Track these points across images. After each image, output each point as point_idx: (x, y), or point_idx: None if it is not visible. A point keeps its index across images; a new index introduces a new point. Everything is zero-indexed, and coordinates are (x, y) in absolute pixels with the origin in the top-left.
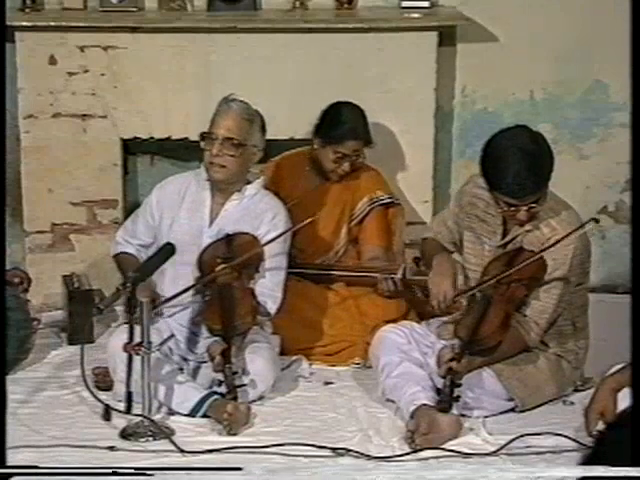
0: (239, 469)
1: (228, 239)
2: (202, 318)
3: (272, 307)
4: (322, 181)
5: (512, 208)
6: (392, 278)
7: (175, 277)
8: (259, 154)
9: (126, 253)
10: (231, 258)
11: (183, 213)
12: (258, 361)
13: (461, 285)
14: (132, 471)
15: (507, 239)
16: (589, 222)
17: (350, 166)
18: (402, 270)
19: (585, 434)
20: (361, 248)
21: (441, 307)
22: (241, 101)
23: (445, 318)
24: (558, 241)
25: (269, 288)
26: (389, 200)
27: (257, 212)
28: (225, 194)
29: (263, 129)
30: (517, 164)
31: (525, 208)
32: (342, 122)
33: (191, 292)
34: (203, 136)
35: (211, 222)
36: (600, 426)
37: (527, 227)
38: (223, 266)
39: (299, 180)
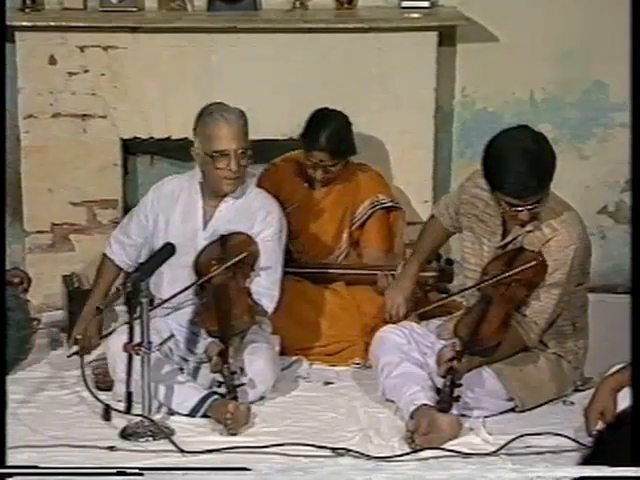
0: (247, 469)
1: (222, 240)
2: (199, 320)
3: (269, 305)
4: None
5: (514, 208)
6: (392, 275)
7: (173, 279)
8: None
9: (111, 260)
10: (225, 259)
11: (177, 216)
12: (258, 362)
13: (460, 285)
14: (135, 471)
15: (507, 240)
16: (531, 263)
17: (323, 173)
18: (402, 267)
19: (585, 434)
20: (362, 252)
21: (393, 320)
22: (230, 107)
23: (445, 318)
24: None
25: (265, 287)
26: (391, 203)
27: (251, 211)
28: (218, 196)
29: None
30: (519, 164)
31: (527, 208)
32: (311, 131)
33: (190, 293)
34: (212, 155)
35: (205, 224)
36: (600, 426)
37: (528, 227)
38: (216, 269)
39: (300, 183)
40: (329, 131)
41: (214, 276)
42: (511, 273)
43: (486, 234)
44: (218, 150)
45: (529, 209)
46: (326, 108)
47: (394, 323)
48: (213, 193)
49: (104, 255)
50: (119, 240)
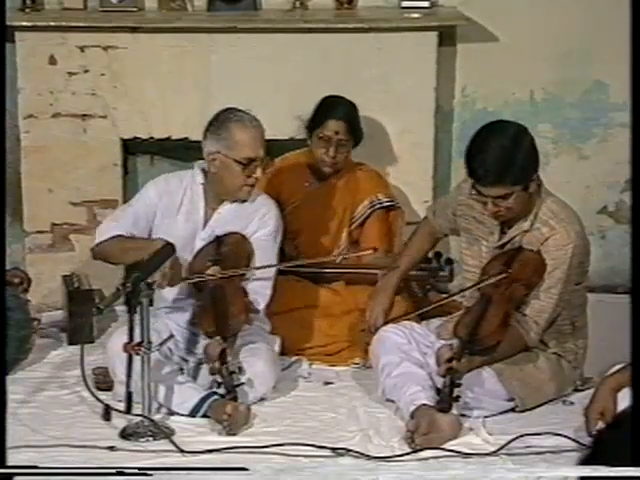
0: (245, 469)
1: (217, 241)
2: (197, 322)
3: (261, 304)
4: (322, 182)
5: (479, 196)
6: None
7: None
8: None
9: (119, 236)
10: (220, 259)
11: (180, 217)
12: (258, 363)
13: (460, 285)
14: (135, 471)
15: (504, 240)
16: (488, 280)
17: (335, 152)
18: (382, 277)
19: (585, 434)
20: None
21: (371, 330)
22: (249, 114)
23: (445, 318)
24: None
25: (258, 285)
26: (390, 203)
27: (249, 212)
28: (221, 199)
29: None
30: (484, 151)
31: (490, 198)
32: (322, 107)
33: (188, 294)
34: (242, 162)
35: (205, 225)
36: (600, 426)
37: (525, 227)
38: (213, 269)
39: (300, 182)
40: (344, 105)
41: (214, 279)
42: (496, 279)
43: (484, 235)
44: (249, 157)
45: (492, 200)
46: (330, 95)
47: (372, 333)
48: (218, 196)
49: (103, 242)
50: (116, 228)
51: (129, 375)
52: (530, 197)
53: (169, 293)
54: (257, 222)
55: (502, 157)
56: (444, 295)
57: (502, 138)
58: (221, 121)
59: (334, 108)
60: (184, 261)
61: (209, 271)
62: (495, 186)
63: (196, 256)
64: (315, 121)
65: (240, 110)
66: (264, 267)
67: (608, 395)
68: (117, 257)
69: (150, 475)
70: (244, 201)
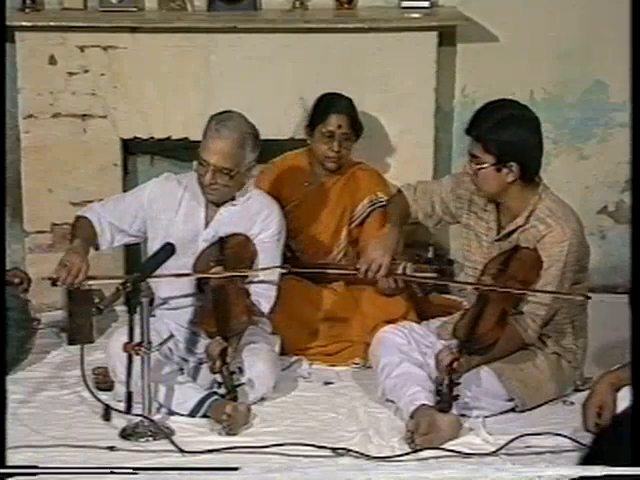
0: (236, 469)
1: (221, 242)
2: (198, 321)
3: (266, 306)
4: (321, 181)
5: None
6: (392, 274)
7: (171, 280)
8: (253, 167)
9: (90, 222)
10: (223, 260)
11: (180, 217)
12: (258, 364)
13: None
14: (132, 471)
15: (502, 234)
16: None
17: (339, 146)
18: (402, 267)
19: (585, 434)
20: (361, 250)
21: (368, 275)
22: (234, 119)
23: (445, 318)
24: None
25: (263, 287)
26: None
27: (251, 213)
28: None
29: (256, 145)
30: (487, 110)
31: (470, 156)
32: (323, 102)
33: (189, 294)
34: (200, 161)
35: (206, 225)
36: (597, 420)
37: (519, 222)
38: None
39: (299, 181)
40: (343, 99)
41: (214, 278)
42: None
43: (484, 230)
44: (201, 158)
45: (470, 159)
46: (331, 92)
47: (366, 278)
48: None
49: (81, 217)
50: (99, 213)
51: (129, 375)
52: (507, 186)
53: (169, 293)
54: (260, 224)
55: (491, 121)
56: (444, 295)
57: (507, 111)
58: (209, 121)
59: (335, 103)
60: (185, 263)
61: (212, 272)
62: (471, 139)
63: (199, 257)
64: (317, 117)
65: (230, 115)
66: (265, 269)
67: (606, 390)
68: (74, 235)
69: (149, 475)
70: (246, 201)
